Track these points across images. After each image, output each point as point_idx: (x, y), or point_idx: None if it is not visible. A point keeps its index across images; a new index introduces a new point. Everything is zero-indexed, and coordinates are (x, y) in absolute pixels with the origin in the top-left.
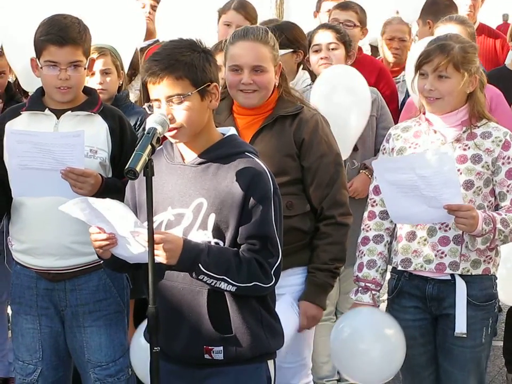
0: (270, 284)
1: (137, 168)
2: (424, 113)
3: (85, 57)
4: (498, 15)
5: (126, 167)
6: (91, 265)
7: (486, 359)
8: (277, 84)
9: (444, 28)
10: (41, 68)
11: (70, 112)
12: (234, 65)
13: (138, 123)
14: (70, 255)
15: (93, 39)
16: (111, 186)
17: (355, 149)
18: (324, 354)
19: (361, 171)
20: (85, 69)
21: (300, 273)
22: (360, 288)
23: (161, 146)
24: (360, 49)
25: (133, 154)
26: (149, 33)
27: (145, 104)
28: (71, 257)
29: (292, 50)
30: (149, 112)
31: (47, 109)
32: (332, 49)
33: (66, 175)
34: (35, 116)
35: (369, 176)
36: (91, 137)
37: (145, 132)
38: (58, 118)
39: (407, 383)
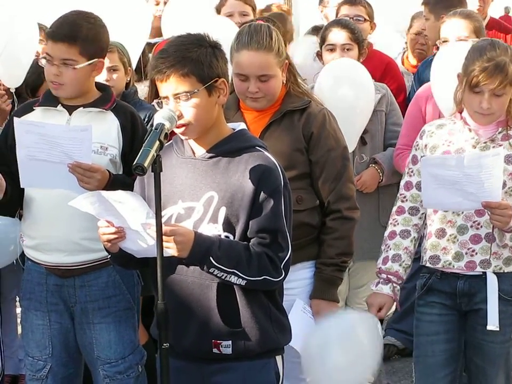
0: (280, 278)
1: (145, 164)
2: (460, 112)
3: (84, 57)
4: (500, 8)
5: (134, 163)
6: (101, 262)
7: None
8: (284, 81)
9: (450, 23)
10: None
11: (82, 108)
12: (240, 74)
13: (146, 119)
14: (80, 251)
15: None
16: (119, 182)
17: (364, 143)
18: None
19: (370, 165)
20: (74, 68)
21: (309, 267)
22: (381, 280)
23: (171, 141)
24: (371, 45)
25: (141, 150)
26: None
27: (155, 100)
28: (80, 253)
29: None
30: (158, 109)
31: (59, 104)
32: (347, 49)
33: (73, 169)
34: (48, 112)
35: (378, 170)
36: (102, 134)
37: (153, 128)
38: (70, 114)
39: (421, 383)
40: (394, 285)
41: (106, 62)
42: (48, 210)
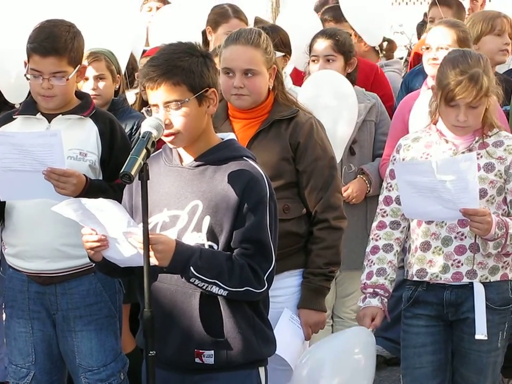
0: (262, 290)
1: (132, 172)
2: (434, 124)
3: (71, 66)
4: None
5: (121, 171)
6: (82, 269)
7: (500, 364)
8: (271, 87)
9: (435, 30)
10: (28, 74)
11: (61, 115)
12: (226, 68)
13: (135, 127)
14: (61, 257)
15: (91, 42)
16: (96, 187)
17: (352, 153)
18: None
19: (358, 176)
20: (67, 79)
21: (295, 275)
22: (368, 294)
23: (161, 149)
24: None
25: (128, 158)
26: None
27: (144, 108)
28: (61, 260)
29: (283, 54)
30: (147, 117)
31: (39, 113)
32: (329, 60)
33: (48, 176)
34: (28, 120)
35: (366, 181)
36: (81, 140)
37: (141, 136)
38: (50, 122)
39: None
40: (382, 297)
41: (93, 71)
42: (29, 217)
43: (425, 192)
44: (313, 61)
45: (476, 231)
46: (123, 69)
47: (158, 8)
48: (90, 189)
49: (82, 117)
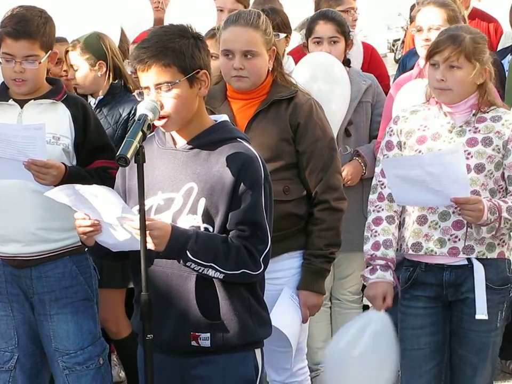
0: (259, 271)
1: (128, 155)
2: (434, 98)
3: (43, 51)
4: None
5: (117, 153)
6: (57, 253)
7: (499, 344)
8: (270, 68)
9: (424, 11)
10: (0, 58)
11: (33, 101)
12: (226, 50)
13: (133, 112)
14: (36, 241)
15: (97, 26)
16: (75, 175)
17: (348, 134)
18: (319, 340)
19: (354, 158)
20: (40, 63)
21: (296, 257)
22: (379, 266)
23: (153, 133)
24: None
25: (124, 141)
26: (159, 23)
27: (136, 91)
28: (36, 243)
29: (285, 35)
30: (139, 99)
31: (11, 99)
32: (334, 42)
33: (29, 167)
34: (0, 106)
35: (361, 163)
36: (54, 124)
37: (136, 119)
38: (22, 108)
39: (406, 378)
40: (392, 271)
41: (69, 61)
42: (4, 201)
43: (415, 183)
44: (316, 43)
45: (468, 219)
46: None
47: None
48: (69, 177)
49: (54, 101)
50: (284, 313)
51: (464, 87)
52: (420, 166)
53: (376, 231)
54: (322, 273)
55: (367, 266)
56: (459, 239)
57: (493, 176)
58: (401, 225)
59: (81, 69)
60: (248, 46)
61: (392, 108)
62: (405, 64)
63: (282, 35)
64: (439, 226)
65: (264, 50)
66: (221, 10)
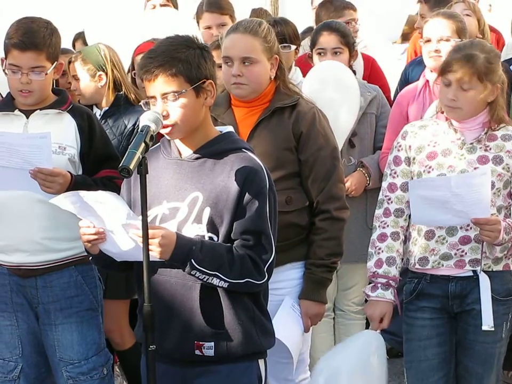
0: (263, 281)
1: (131, 166)
2: (443, 113)
3: (49, 62)
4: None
5: (120, 165)
6: (62, 262)
7: (503, 354)
8: (273, 77)
9: (432, 22)
10: (6, 69)
11: (38, 111)
12: (225, 57)
13: (138, 123)
14: (41, 251)
15: (95, 39)
16: (81, 184)
17: (352, 145)
18: (321, 351)
19: (358, 169)
20: (46, 74)
21: (298, 267)
22: (380, 285)
23: (159, 143)
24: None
25: (127, 152)
26: None
27: (142, 101)
28: (42, 253)
29: (295, 47)
30: (145, 109)
31: (16, 109)
32: (337, 53)
33: (35, 175)
34: (6, 117)
35: (365, 174)
36: (60, 134)
37: (139, 130)
38: (28, 118)
39: None
40: (393, 289)
41: (71, 71)
42: (10, 211)
43: (436, 204)
44: (319, 53)
45: (486, 239)
46: (126, 66)
47: (161, 6)
48: (75, 186)
49: (60, 111)
50: (285, 323)
51: (474, 106)
52: (446, 187)
53: (380, 248)
54: (324, 282)
55: (370, 283)
56: (465, 253)
57: (501, 194)
58: (407, 240)
59: (82, 79)
60: (246, 53)
61: (396, 120)
62: (407, 75)
63: (293, 47)
64: (446, 241)
65: (264, 57)
66: (209, 28)
